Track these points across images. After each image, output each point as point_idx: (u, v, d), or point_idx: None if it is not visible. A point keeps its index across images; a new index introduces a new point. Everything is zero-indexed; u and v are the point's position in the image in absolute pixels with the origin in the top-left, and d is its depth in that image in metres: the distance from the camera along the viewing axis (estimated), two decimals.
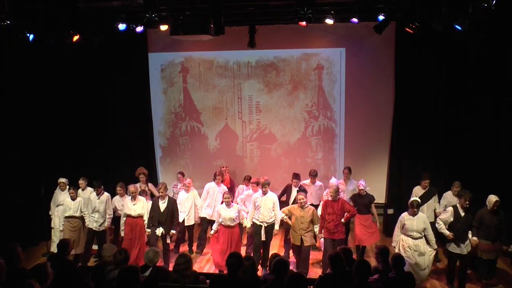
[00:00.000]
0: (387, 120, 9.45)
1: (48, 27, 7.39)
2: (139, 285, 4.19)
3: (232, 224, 7.04)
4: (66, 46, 7.86)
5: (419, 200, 6.75)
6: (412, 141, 9.20)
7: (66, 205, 7.68)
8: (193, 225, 8.35)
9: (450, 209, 6.65)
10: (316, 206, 7.72)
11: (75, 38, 7.55)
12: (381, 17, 7.33)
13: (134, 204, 7.37)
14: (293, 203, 7.81)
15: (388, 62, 9.25)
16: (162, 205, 7.37)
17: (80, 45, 7.92)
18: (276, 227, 7.35)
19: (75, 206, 7.63)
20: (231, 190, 8.34)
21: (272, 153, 10.05)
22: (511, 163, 8.17)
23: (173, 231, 7.48)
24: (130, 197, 7.42)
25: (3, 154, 8.18)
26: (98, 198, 7.63)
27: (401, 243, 6.54)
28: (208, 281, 4.70)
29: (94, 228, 7.64)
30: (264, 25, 8.96)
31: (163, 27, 7.37)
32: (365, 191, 7.57)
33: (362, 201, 7.55)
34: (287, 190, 8.30)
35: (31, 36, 7.57)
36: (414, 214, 6.48)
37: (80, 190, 7.90)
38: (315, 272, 7.32)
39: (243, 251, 7.56)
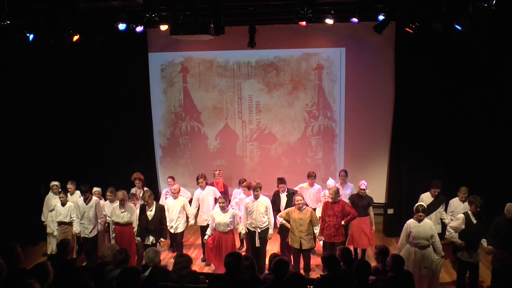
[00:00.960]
0: (387, 120, 9.44)
1: (48, 27, 7.39)
2: (139, 286, 4.19)
3: (226, 230, 6.90)
4: (66, 46, 7.87)
5: (425, 205, 6.46)
6: (412, 141, 9.19)
7: (57, 210, 7.58)
8: (182, 232, 7.88)
9: (462, 216, 6.31)
10: (315, 210, 7.57)
11: (75, 38, 7.56)
12: (381, 17, 7.32)
13: (122, 212, 7.19)
14: (285, 208, 7.46)
15: (388, 62, 9.24)
16: (150, 213, 7.14)
17: (80, 45, 7.93)
18: (270, 231, 7.16)
19: (65, 212, 7.51)
20: (225, 194, 8.05)
21: (272, 153, 10.05)
22: None
23: (162, 239, 7.29)
24: (118, 203, 7.22)
25: (3, 154, 8.19)
26: (86, 204, 7.47)
27: (407, 252, 6.18)
28: (207, 281, 4.71)
29: (85, 235, 7.47)
30: (264, 25, 8.96)
31: (163, 27, 7.36)
32: (365, 192, 7.45)
33: (361, 202, 7.40)
34: (275, 199, 7.81)
35: (31, 36, 7.57)
36: (420, 219, 6.16)
37: (69, 195, 7.72)
38: (315, 276, 7.23)
39: None
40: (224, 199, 7.04)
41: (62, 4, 6.78)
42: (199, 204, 7.97)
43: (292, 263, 6.99)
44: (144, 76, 9.98)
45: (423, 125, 9.06)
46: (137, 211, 7.31)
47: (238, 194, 8.15)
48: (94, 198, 7.57)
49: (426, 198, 7.52)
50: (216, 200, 7.63)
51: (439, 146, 8.99)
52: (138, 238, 7.19)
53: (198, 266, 7.71)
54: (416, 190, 8.61)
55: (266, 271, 6.22)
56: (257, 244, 7.06)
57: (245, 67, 9.84)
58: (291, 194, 7.55)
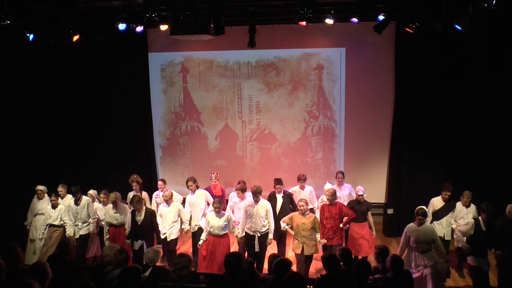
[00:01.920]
0: (387, 120, 9.44)
1: (48, 27, 7.40)
2: (140, 286, 4.19)
3: (220, 233, 6.71)
4: (66, 46, 7.87)
5: (425, 208, 6.28)
6: (412, 141, 9.19)
7: (47, 213, 7.42)
8: (176, 239, 7.54)
9: (472, 221, 6.17)
10: (311, 210, 7.44)
11: (75, 38, 7.57)
12: (381, 17, 7.32)
13: (115, 213, 7.16)
14: (280, 210, 7.38)
15: (388, 62, 9.24)
16: (139, 218, 6.99)
17: (80, 45, 7.93)
18: (270, 236, 7.01)
19: (56, 214, 7.36)
20: (222, 198, 7.75)
21: (272, 153, 10.05)
22: None
23: (158, 246, 7.06)
24: (111, 205, 7.18)
25: (3, 154, 8.19)
26: (78, 205, 7.41)
27: (409, 259, 6.12)
28: (207, 280, 4.71)
29: (76, 236, 7.40)
30: (264, 25, 8.96)
31: (163, 27, 7.36)
32: (363, 198, 7.34)
33: (359, 208, 7.24)
34: (271, 200, 7.51)
35: (31, 36, 7.57)
36: (420, 223, 6.02)
37: (59, 199, 7.51)
38: (315, 275, 7.09)
39: None
40: (220, 203, 6.80)
41: (62, 4, 6.78)
42: (190, 209, 7.66)
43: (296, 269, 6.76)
44: (144, 76, 9.98)
45: (423, 125, 9.06)
46: (130, 214, 7.23)
47: (233, 198, 7.92)
48: (85, 198, 7.48)
49: (436, 203, 7.25)
50: (208, 204, 7.49)
51: (439, 146, 8.98)
52: (128, 241, 7.12)
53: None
54: (416, 190, 8.64)
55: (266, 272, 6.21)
56: (256, 248, 6.93)
57: (245, 67, 9.83)
58: (287, 196, 7.50)
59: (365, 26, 8.20)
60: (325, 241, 6.89)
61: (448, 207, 7.16)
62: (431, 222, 7.08)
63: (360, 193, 7.27)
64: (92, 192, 7.77)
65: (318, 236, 6.80)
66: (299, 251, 6.75)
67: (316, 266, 7.35)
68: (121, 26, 7.59)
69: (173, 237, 7.43)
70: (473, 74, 8.55)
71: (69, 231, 7.36)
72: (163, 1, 6.82)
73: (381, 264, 5.21)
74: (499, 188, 8.08)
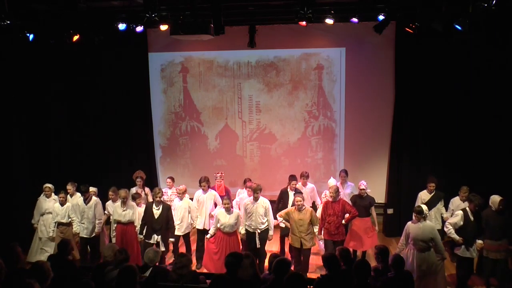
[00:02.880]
0: (387, 120, 9.44)
1: (48, 27, 7.40)
2: (138, 285, 4.19)
3: (231, 231, 6.88)
4: (66, 46, 7.87)
5: (422, 207, 6.33)
6: (412, 141, 9.19)
7: (54, 211, 7.49)
8: (188, 233, 7.78)
9: (460, 213, 6.46)
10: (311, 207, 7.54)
11: (75, 38, 7.57)
12: (381, 17, 7.32)
13: (124, 210, 7.17)
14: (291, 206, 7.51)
15: (388, 62, 9.24)
16: (156, 211, 7.06)
17: (80, 45, 7.93)
18: (271, 232, 7.14)
19: (63, 212, 7.44)
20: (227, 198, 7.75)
21: (272, 153, 10.05)
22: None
23: (171, 239, 7.23)
24: (120, 202, 7.20)
25: (3, 154, 8.18)
26: (86, 204, 7.44)
27: (406, 254, 6.19)
28: (208, 281, 4.71)
29: (85, 236, 7.46)
30: (264, 25, 8.96)
31: (163, 27, 7.36)
32: (366, 192, 7.42)
33: (362, 203, 7.36)
34: (283, 196, 7.84)
35: (31, 36, 7.57)
36: (418, 221, 6.10)
37: (68, 197, 7.61)
38: (315, 275, 7.21)
39: None
40: (229, 201, 6.94)
41: (62, 4, 6.77)
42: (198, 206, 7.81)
43: (293, 263, 6.98)
44: (144, 76, 9.98)
45: (423, 125, 9.06)
46: (140, 210, 7.29)
47: (239, 194, 8.15)
48: (94, 198, 7.53)
49: (424, 196, 7.68)
50: (216, 204, 7.68)
51: (439, 146, 8.99)
52: (141, 237, 7.12)
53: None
54: (416, 190, 8.60)
55: (266, 272, 6.22)
56: (258, 245, 7.03)
57: (245, 67, 9.83)
58: (299, 193, 7.47)
59: (365, 26, 8.21)
60: (322, 237, 7.01)
61: (435, 199, 7.57)
62: None
63: (362, 187, 7.35)
64: (92, 189, 7.77)
65: (315, 229, 6.91)
66: (298, 245, 6.87)
67: (315, 262, 7.48)
68: (121, 26, 7.59)
69: (179, 232, 7.54)
70: (473, 74, 8.55)
71: (76, 228, 7.44)
72: (163, 1, 6.83)
73: (381, 264, 5.21)
74: (499, 188, 8.07)
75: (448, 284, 6.70)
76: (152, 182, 9.51)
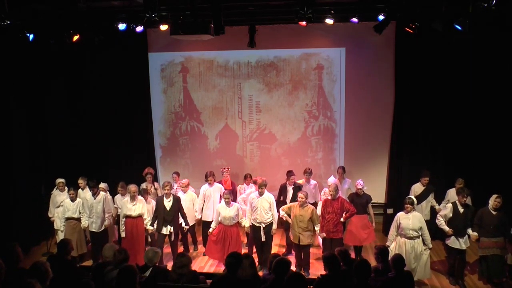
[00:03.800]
0: (387, 120, 9.44)
1: (48, 27, 7.40)
2: (138, 285, 4.19)
3: (231, 223, 7.16)
4: (66, 46, 7.87)
5: (413, 198, 6.83)
6: (412, 141, 9.19)
7: (65, 206, 7.73)
8: (193, 225, 8.27)
9: (450, 205, 6.87)
10: (313, 204, 7.76)
11: (75, 38, 7.56)
12: (381, 17, 7.32)
13: (134, 205, 7.36)
14: (291, 201, 7.85)
15: (388, 62, 9.24)
16: (168, 203, 7.40)
17: (80, 45, 7.92)
18: (274, 226, 7.37)
19: (74, 208, 7.69)
20: (233, 192, 8.30)
21: (272, 153, 10.05)
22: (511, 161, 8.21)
23: (186, 226, 7.66)
24: (129, 197, 7.38)
25: (3, 153, 8.18)
26: (94, 198, 7.65)
27: (398, 244, 6.59)
28: (208, 281, 4.71)
29: (94, 230, 7.66)
30: (264, 25, 8.96)
31: (163, 27, 7.36)
32: (363, 191, 7.62)
33: (359, 200, 7.58)
34: (282, 191, 8.25)
35: (31, 36, 7.57)
36: (408, 211, 6.56)
37: (80, 190, 7.95)
38: (316, 269, 7.43)
39: (243, 250, 7.70)
40: (229, 195, 7.25)
41: (62, 4, 6.78)
42: (204, 199, 8.22)
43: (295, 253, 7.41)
44: (144, 76, 9.98)
45: (423, 125, 9.07)
46: (152, 204, 7.67)
47: (243, 190, 8.47)
48: (102, 193, 7.75)
49: (417, 189, 8.05)
50: (221, 198, 7.91)
51: (439, 146, 8.99)
52: (151, 228, 7.41)
53: (198, 266, 7.71)
54: None
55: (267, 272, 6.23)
56: (263, 238, 7.27)
57: (245, 67, 9.83)
58: (297, 188, 7.92)
59: (365, 26, 8.21)
60: (324, 234, 7.15)
61: (427, 191, 7.98)
62: None
63: (359, 186, 7.60)
64: (102, 185, 8.06)
65: (317, 228, 7.10)
66: (296, 241, 7.11)
67: (315, 256, 7.73)
68: (121, 26, 7.60)
69: (190, 222, 7.93)
70: (473, 74, 8.55)
71: (84, 223, 7.66)
72: (163, 1, 6.82)
73: (381, 264, 5.22)
74: (498, 188, 8.08)
75: (441, 270, 7.38)
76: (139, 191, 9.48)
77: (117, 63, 9.69)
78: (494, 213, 6.62)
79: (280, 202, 8.03)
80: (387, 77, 9.31)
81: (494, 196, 6.65)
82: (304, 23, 7.12)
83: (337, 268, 4.66)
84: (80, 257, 7.89)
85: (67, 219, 7.72)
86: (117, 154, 10.03)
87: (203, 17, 6.76)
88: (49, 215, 8.26)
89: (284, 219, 7.44)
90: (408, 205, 6.57)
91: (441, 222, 6.83)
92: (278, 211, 7.54)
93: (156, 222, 7.44)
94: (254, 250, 7.68)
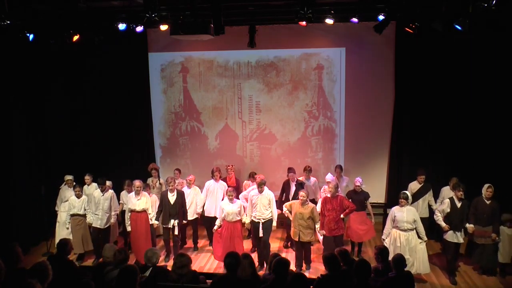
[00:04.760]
0: (387, 120, 9.45)
1: (48, 27, 7.39)
2: (138, 285, 4.19)
3: (235, 219, 7.36)
4: (66, 46, 7.86)
5: (407, 193, 7.01)
6: (412, 141, 9.21)
7: (71, 203, 7.91)
8: (196, 219, 8.50)
9: (447, 201, 7.07)
10: (311, 201, 7.84)
11: (75, 38, 7.56)
12: (381, 17, 7.33)
13: (138, 200, 7.61)
14: (293, 198, 8.01)
15: (388, 62, 9.25)
16: (172, 198, 7.69)
17: (80, 45, 7.92)
18: (274, 223, 7.57)
19: (79, 204, 7.88)
20: (237, 189, 8.47)
21: (272, 153, 10.06)
22: (510, 161, 8.20)
23: (184, 221, 7.90)
24: (133, 192, 7.65)
25: (3, 154, 8.18)
26: (103, 195, 7.80)
27: (393, 237, 6.81)
28: (208, 281, 4.71)
29: (98, 226, 7.80)
30: (264, 25, 8.96)
31: (163, 27, 7.36)
32: (361, 188, 7.80)
33: (357, 198, 7.74)
34: (285, 187, 8.43)
35: (31, 36, 7.57)
36: (402, 205, 6.77)
37: (85, 186, 8.22)
38: (316, 264, 7.61)
39: (245, 245, 7.97)
40: (233, 192, 7.45)
41: (62, 4, 6.77)
42: (207, 194, 8.45)
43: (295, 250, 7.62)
44: (144, 76, 9.98)
45: (423, 125, 9.08)
46: (153, 198, 7.86)
47: (247, 186, 8.59)
48: (110, 191, 7.93)
49: (413, 186, 8.21)
50: (226, 193, 8.17)
51: (439, 146, 8.99)
52: (157, 222, 7.71)
53: (198, 266, 7.72)
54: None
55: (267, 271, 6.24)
56: (261, 234, 7.40)
57: (245, 67, 9.84)
58: (299, 185, 8.12)
59: (365, 26, 8.22)
60: (324, 232, 7.26)
61: (424, 189, 8.13)
62: (411, 203, 7.73)
63: (358, 184, 7.79)
64: (108, 182, 8.15)
65: (317, 226, 7.24)
66: (296, 238, 7.27)
67: (315, 252, 7.94)
68: (121, 26, 7.60)
69: (190, 217, 8.27)
70: (473, 74, 8.55)
71: (89, 219, 7.85)
72: (163, 1, 6.82)
73: (381, 264, 5.21)
74: (500, 184, 8.08)
75: (438, 266, 7.55)
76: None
77: (117, 63, 9.69)
78: (487, 202, 6.95)
79: (282, 200, 8.23)
80: (387, 77, 9.31)
81: (486, 186, 6.95)
82: (304, 23, 7.12)
83: (337, 268, 4.66)
84: (83, 254, 8.08)
85: (73, 215, 7.90)
86: (117, 154, 10.02)
87: (203, 17, 6.76)
88: (56, 208, 8.53)
89: (286, 215, 7.61)
90: (402, 200, 6.78)
91: (438, 217, 7.03)
92: (281, 208, 7.75)
93: (161, 216, 7.72)
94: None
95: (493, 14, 5.41)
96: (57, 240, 7.81)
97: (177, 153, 10.35)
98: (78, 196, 7.89)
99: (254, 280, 4.70)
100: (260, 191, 7.47)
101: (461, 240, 6.97)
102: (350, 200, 7.60)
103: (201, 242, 8.77)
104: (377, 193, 9.43)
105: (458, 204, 6.93)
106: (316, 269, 7.44)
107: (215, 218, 7.88)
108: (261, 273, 7.04)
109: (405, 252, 6.50)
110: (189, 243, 8.71)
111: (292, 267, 7.05)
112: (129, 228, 7.69)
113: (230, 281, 4.10)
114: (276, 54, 9.68)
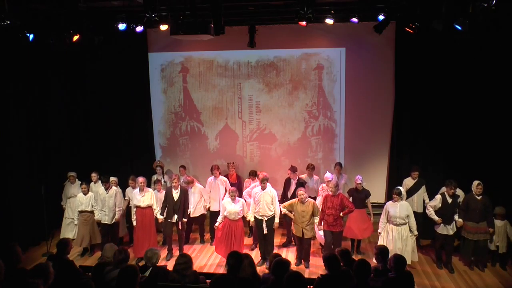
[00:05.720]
0: (387, 120, 9.45)
1: (48, 27, 7.39)
2: (138, 285, 4.19)
3: (236, 218, 7.43)
4: (66, 46, 7.85)
5: (401, 188, 7.29)
6: (412, 141, 9.20)
7: (78, 200, 8.20)
8: (202, 215, 8.70)
9: (439, 196, 7.41)
10: (313, 199, 7.94)
11: (75, 38, 7.55)
12: (381, 17, 7.33)
13: (142, 196, 7.81)
14: (291, 196, 8.14)
15: (388, 62, 9.25)
16: (176, 194, 7.87)
17: (80, 45, 7.92)
18: (276, 220, 7.63)
19: (87, 201, 8.13)
20: (238, 186, 8.63)
21: (272, 153, 10.06)
22: (509, 160, 8.20)
23: (184, 219, 7.99)
24: (138, 189, 7.84)
25: (3, 154, 8.18)
26: (107, 193, 8.02)
27: (386, 230, 7.14)
28: (208, 281, 4.71)
29: (107, 222, 8.04)
30: (264, 25, 8.96)
31: (163, 27, 7.36)
32: (362, 186, 7.93)
33: (358, 195, 7.93)
34: (286, 185, 8.58)
35: (31, 36, 7.57)
36: (395, 201, 7.06)
37: (92, 184, 8.38)
38: (315, 261, 7.73)
39: (245, 241, 8.04)
40: (235, 192, 7.55)
41: (62, 4, 6.77)
42: (210, 190, 8.70)
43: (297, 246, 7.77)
44: (144, 76, 9.99)
45: (423, 126, 9.07)
46: (159, 195, 8.12)
47: (248, 184, 8.65)
48: (114, 188, 8.14)
49: (408, 182, 8.41)
50: (226, 191, 8.48)
51: (439, 146, 8.99)
52: (161, 217, 7.89)
53: (198, 266, 7.71)
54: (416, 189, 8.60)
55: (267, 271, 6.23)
56: (265, 231, 7.52)
57: (245, 67, 9.84)
58: (300, 184, 8.22)
59: (365, 26, 8.22)
60: (321, 227, 7.52)
61: (418, 185, 8.31)
62: (406, 199, 8.00)
63: (358, 182, 7.94)
64: (113, 178, 8.33)
65: (316, 219, 7.43)
66: (300, 234, 7.44)
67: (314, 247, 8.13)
68: (121, 26, 7.61)
69: (196, 214, 8.58)
70: (473, 74, 8.55)
71: (97, 216, 8.08)
72: (163, 1, 6.82)
73: (381, 264, 5.21)
74: (498, 184, 8.09)
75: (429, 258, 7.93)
76: (149, 183, 9.51)
77: (117, 63, 9.69)
78: (478, 198, 7.23)
79: (285, 196, 8.42)
80: (387, 77, 9.31)
81: (476, 183, 7.25)
82: (304, 23, 7.11)
83: (337, 268, 4.66)
84: (92, 247, 8.39)
85: (80, 212, 8.14)
86: (117, 154, 10.03)
87: (203, 17, 6.76)
88: (62, 203, 8.91)
89: (287, 215, 7.67)
90: (395, 195, 7.06)
91: (430, 212, 7.39)
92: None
93: (166, 211, 7.89)
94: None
95: (493, 14, 5.40)
96: (62, 235, 8.64)
97: (177, 153, 10.36)
98: (85, 193, 8.14)
99: (254, 280, 4.70)
100: (263, 188, 7.55)
101: (451, 232, 7.35)
102: (351, 198, 7.77)
103: (207, 236, 9.02)
104: (377, 193, 9.43)
105: (449, 200, 7.30)
106: (315, 267, 7.56)
107: (217, 213, 8.09)
108: (263, 268, 7.29)
109: (396, 243, 6.93)
110: (195, 236, 9.06)
111: (293, 266, 7.10)
112: (134, 223, 7.90)
113: (229, 280, 4.09)
114: (276, 54, 9.68)
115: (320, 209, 7.50)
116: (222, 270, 7.36)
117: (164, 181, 9.05)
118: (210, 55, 9.87)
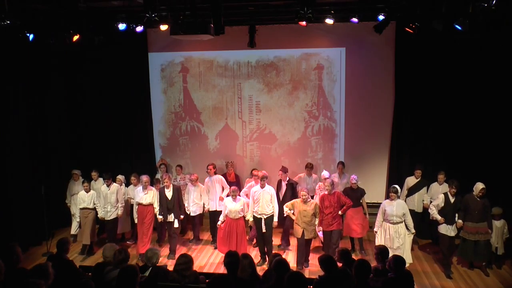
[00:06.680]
0: (387, 120, 9.45)
1: (48, 27, 7.39)
2: (138, 285, 4.19)
3: (237, 216, 7.50)
4: (66, 46, 7.86)
5: (397, 187, 7.27)
6: (412, 141, 9.20)
7: (80, 198, 8.34)
8: (199, 215, 8.80)
9: (442, 196, 7.35)
10: (312, 197, 8.06)
11: (75, 38, 7.56)
12: (381, 17, 7.33)
13: (145, 194, 7.93)
14: (283, 198, 8.29)
15: (388, 62, 9.25)
16: (169, 193, 7.95)
17: (80, 45, 7.92)
18: (275, 219, 7.65)
19: (89, 199, 8.28)
20: (237, 185, 8.60)
21: (272, 153, 10.06)
22: (509, 160, 8.21)
23: (181, 216, 8.11)
24: (141, 187, 7.95)
25: (3, 153, 8.18)
26: (109, 189, 8.17)
27: (383, 228, 7.14)
28: (208, 281, 4.70)
29: (106, 218, 8.22)
30: (264, 25, 8.96)
31: (163, 27, 7.36)
32: (357, 185, 7.98)
33: (354, 194, 7.92)
34: (278, 186, 8.63)
35: (31, 36, 7.57)
36: (392, 199, 7.06)
37: (93, 182, 8.58)
38: (316, 261, 7.49)
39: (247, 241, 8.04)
40: (236, 191, 7.58)
41: (62, 4, 6.77)
42: (208, 190, 8.71)
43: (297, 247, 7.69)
44: (144, 76, 9.99)
45: (423, 125, 9.08)
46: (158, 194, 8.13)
47: (247, 183, 8.70)
48: (115, 184, 8.29)
49: (410, 181, 8.48)
50: (223, 189, 8.59)
51: (439, 146, 8.99)
52: (160, 217, 7.97)
53: (198, 266, 7.72)
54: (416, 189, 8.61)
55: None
56: (263, 230, 7.53)
57: (245, 67, 9.84)
58: (291, 184, 8.35)
59: (365, 26, 8.22)
60: (321, 228, 7.50)
61: (420, 184, 8.36)
62: (406, 197, 8.41)
63: (354, 181, 8.00)
64: (119, 176, 8.52)
65: (317, 220, 7.45)
66: (299, 235, 7.42)
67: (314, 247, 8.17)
68: (121, 26, 7.61)
69: (197, 213, 8.72)
70: (473, 74, 8.55)
71: (100, 214, 8.24)
72: (163, 1, 6.82)
73: (381, 264, 5.21)
74: (497, 184, 8.09)
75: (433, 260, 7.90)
76: (152, 182, 9.49)
77: (117, 63, 9.69)
78: (478, 199, 7.15)
79: (277, 198, 8.29)
80: (387, 77, 9.31)
81: (480, 187, 7.06)
82: (304, 23, 7.12)
83: (333, 269, 4.66)
84: (83, 247, 8.36)
85: (82, 209, 8.30)
86: (117, 154, 10.04)
87: (203, 17, 6.77)
88: (66, 201, 9.05)
89: (285, 214, 7.68)
90: (392, 194, 7.08)
91: (433, 211, 7.33)
92: (280, 207, 7.81)
93: (162, 211, 8.02)
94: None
95: (493, 14, 5.40)
96: (71, 231, 8.89)
97: (177, 153, 10.36)
98: (87, 191, 8.26)
99: (254, 280, 4.70)
100: (262, 186, 7.58)
101: (453, 234, 7.28)
102: (347, 196, 7.78)
103: (207, 236, 9.07)
104: (377, 193, 9.44)
105: (452, 200, 7.24)
106: (316, 266, 7.48)
107: (216, 212, 8.22)
108: (263, 267, 7.26)
109: (394, 240, 6.93)
110: (189, 235, 9.13)
111: (292, 265, 7.11)
112: (135, 220, 8.04)
113: (228, 280, 4.09)
114: (276, 54, 9.68)
115: (319, 211, 7.47)
116: (222, 269, 7.35)
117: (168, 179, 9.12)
118: (210, 55, 9.87)
